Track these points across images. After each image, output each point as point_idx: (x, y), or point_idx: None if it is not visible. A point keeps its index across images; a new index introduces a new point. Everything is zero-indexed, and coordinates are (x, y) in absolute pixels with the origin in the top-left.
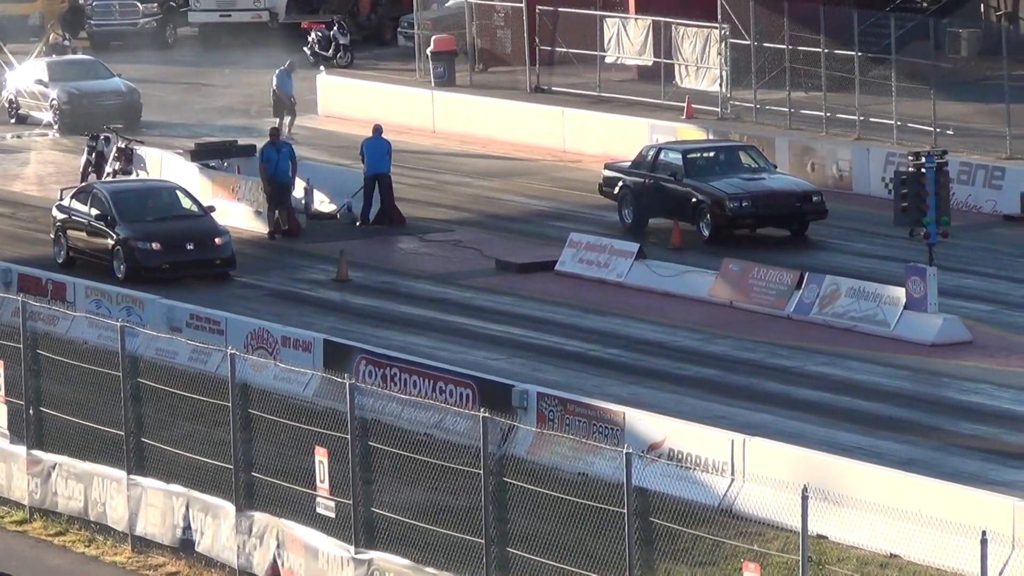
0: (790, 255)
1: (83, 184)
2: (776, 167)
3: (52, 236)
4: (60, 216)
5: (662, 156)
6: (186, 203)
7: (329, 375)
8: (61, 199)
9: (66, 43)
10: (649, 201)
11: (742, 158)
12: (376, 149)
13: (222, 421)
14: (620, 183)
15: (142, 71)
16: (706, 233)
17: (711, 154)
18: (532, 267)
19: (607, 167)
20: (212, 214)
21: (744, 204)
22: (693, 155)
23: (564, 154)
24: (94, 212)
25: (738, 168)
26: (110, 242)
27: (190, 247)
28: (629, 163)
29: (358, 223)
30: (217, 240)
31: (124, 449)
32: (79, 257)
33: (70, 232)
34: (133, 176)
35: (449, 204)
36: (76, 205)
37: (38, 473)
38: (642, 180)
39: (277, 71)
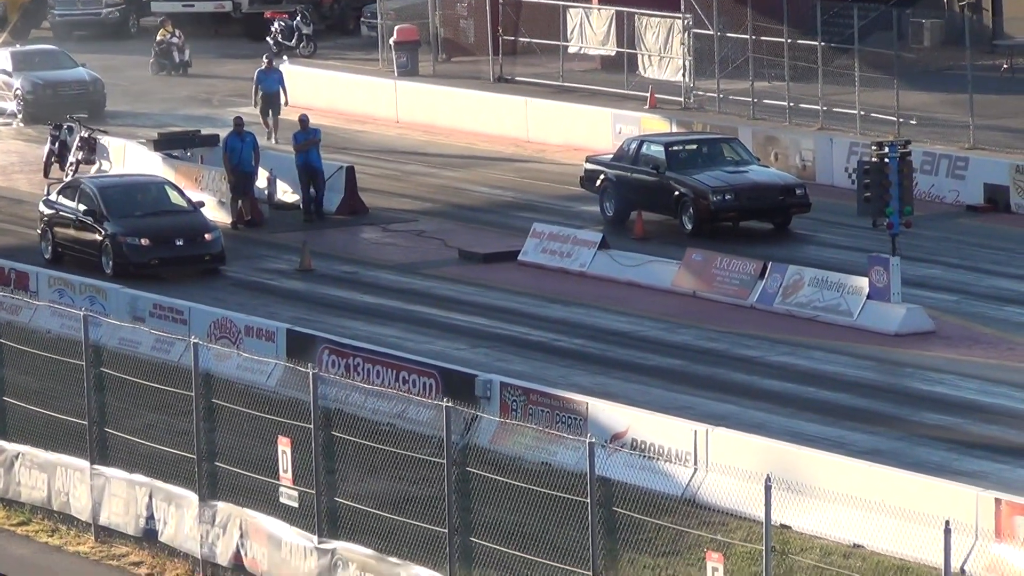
0: (753, 246)
1: (70, 179)
2: (759, 160)
3: (39, 232)
4: (47, 211)
5: (644, 149)
6: (175, 198)
7: (292, 365)
8: (48, 194)
9: (174, 39)
10: (631, 194)
11: (725, 151)
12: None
13: (185, 411)
14: (602, 176)
15: (105, 61)
16: (689, 226)
17: (693, 147)
18: (495, 257)
19: (588, 160)
20: (201, 209)
21: (727, 197)
22: (675, 148)
23: (527, 144)
24: (82, 208)
25: (721, 161)
26: (98, 237)
27: (179, 243)
28: (611, 155)
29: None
30: (207, 236)
31: (87, 439)
32: (67, 253)
33: (57, 228)
34: (96, 166)
35: (412, 194)
36: (63, 201)
37: (1, 463)
38: (624, 173)
39: (256, 72)
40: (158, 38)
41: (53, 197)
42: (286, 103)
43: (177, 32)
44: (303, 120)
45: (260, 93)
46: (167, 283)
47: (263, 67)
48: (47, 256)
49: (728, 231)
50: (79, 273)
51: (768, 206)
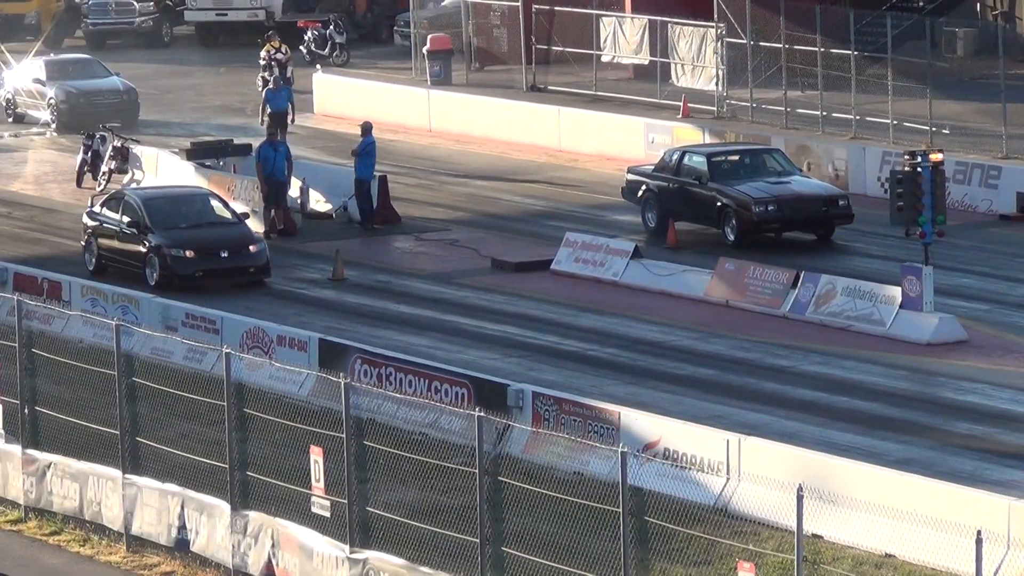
0: (785, 254)
1: (113, 190)
2: (801, 170)
3: (83, 243)
4: (91, 223)
5: (686, 160)
6: (219, 210)
7: (324, 374)
8: (91, 206)
9: (279, 55)
10: (673, 205)
11: (767, 162)
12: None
13: (217, 420)
14: (643, 187)
15: (139, 70)
16: (731, 237)
17: (736, 157)
18: (528, 266)
19: (630, 171)
20: (246, 221)
21: (770, 208)
22: (718, 159)
23: (560, 153)
24: (126, 219)
25: (763, 172)
26: (142, 249)
27: (224, 255)
28: (652, 166)
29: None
30: (252, 247)
31: (119, 448)
32: (110, 265)
33: (101, 240)
34: (129, 175)
35: (445, 203)
36: (107, 212)
37: (33, 472)
38: (666, 184)
39: (264, 91)
40: (262, 53)
41: (97, 209)
42: (292, 121)
43: (283, 48)
44: (365, 128)
45: (269, 111)
46: (200, 293)
47: (272, 86)
48: (91, 268)
49: (769, 241)
50: (112, 283)
51: (811, 217)
